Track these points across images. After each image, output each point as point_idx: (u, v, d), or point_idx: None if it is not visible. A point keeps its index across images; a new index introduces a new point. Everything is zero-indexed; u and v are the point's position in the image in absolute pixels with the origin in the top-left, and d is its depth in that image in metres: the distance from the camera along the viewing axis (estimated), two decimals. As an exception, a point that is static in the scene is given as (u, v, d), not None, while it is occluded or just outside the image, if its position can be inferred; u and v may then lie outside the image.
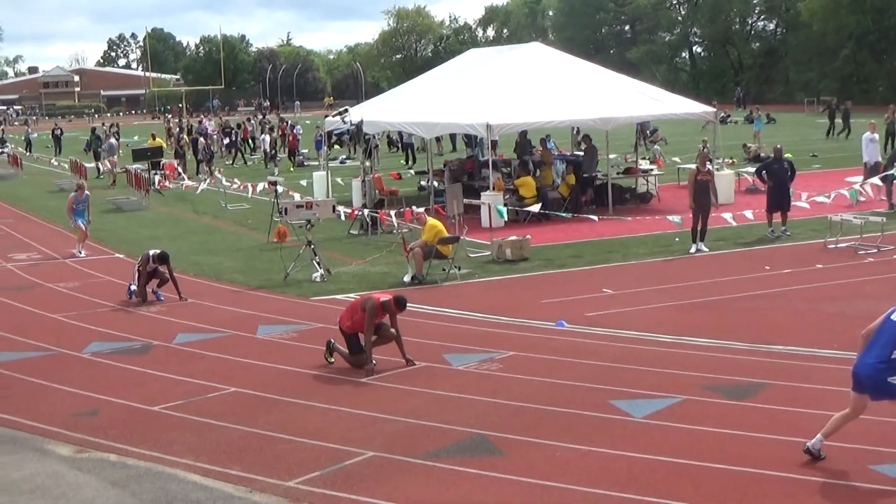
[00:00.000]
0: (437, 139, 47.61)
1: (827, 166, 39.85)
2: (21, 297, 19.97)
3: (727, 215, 23.13)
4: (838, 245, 22.15)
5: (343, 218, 25.72)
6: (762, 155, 38.19)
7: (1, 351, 15.63)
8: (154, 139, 49.89)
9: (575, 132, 34.99)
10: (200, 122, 66.95)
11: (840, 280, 18.98)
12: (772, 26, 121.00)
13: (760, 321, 16.07)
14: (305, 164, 49.20)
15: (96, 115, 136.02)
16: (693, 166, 24.93)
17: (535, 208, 24.69)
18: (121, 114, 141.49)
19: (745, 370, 13.18)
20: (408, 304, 14.31)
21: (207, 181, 37.77)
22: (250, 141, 58.46)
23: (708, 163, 23.60)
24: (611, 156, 31.82)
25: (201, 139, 50.73)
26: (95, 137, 53.14)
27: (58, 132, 65.76)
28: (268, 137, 51.62)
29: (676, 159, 38.23)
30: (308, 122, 73.98)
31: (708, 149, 33.63)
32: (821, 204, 25.06)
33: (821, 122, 62.10)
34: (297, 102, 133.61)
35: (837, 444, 10.01)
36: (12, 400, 13.15)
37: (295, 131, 53.24)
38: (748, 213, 23.61)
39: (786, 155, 25.61)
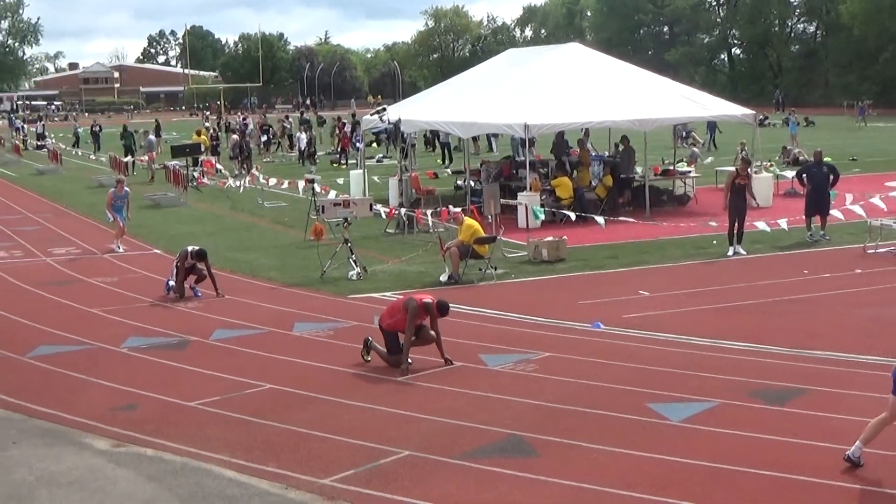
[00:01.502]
0: (475, 139, 47.58)
1: (866, 171, 39.55)
2: (60, 292, 20.13)
3: (760, 223, 22.92)
4: (878, 250, 21.96)
5: (384, 216, 25.76)
6: (801, 158, 37.94)
7: (40, 345, 15.75)
8: (199, 135, 50.08)
9: (584, 133, 34.68)
10: (245, 119, 66.89)
11: (879, 285, 18.80)
12: (812, 29, 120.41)
13: (799, 326, 15.96)
14: (342, 162, 49.35)
15: (135, 112, 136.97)
16: (732, 168, 24.76)
17: (573, 216, 24.58)
18: (160, 109, 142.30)
19: (783, 375, 13.09)
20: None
21: (247, 178, 37.89)
22: (286, 139, 58.56)
23: (748, 167, 23.48)
24: (638, 169, 31.59)
25: (233, 136, 50.96)
26: (129, 134, 53.13)
27: (96, 129, 65.86)
28: (304, 136, 51.67)
29: (709, 160, 37.86)
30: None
31: (746, 152, 33.47)
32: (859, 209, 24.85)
33: (861, 125, 61.64)
34: (353, 100, 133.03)
35: (877, 452, 9.92)
36: (51, 393, 13.26)
37: (346, 129, 53.22)
38: (783, 222, 23.34)
39: (826, 159, 25.41)
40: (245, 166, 44.28)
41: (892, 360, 12.51)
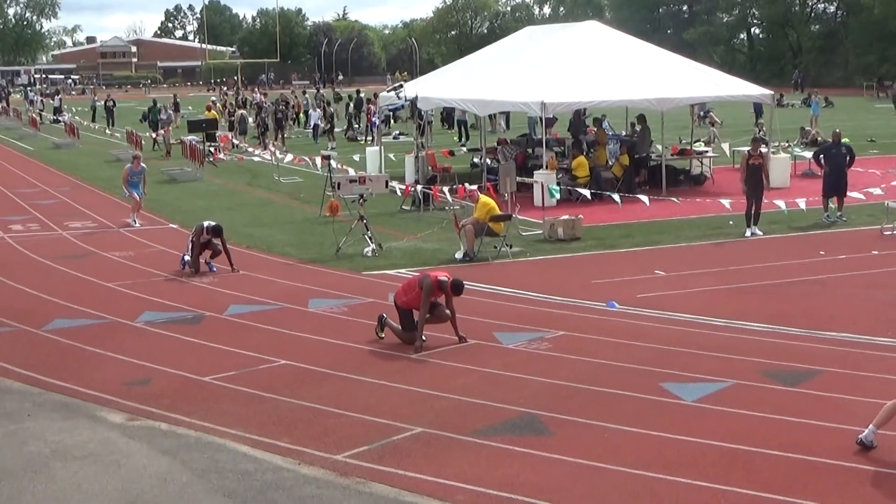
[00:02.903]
0: (491, 117, 47.45)
1: (884, 152, 39.35)
2: (76, 265, 20.19)
3: (780, 202, 22.82)
4: (895, 232, 21.86)
5: (399, 193, 25.73)
6: (819, 139, 37.72)
7: (56, 318, 15.80)
8: (209, 111, 50.06)
9: (581, 113, 34.30)
10: (265, 95, 66.70)
11: (896, 267, 18.76)
12: (832, 9, 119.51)
13: (814, 307, 15.92)
14: (358, 138, 49.34)
15: (153, 86, 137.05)
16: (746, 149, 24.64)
17: (588, 193, 24.51)
18: (177, 84, 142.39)
19: (798, 356, 13.05)
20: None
21: (268, 153, 37.90)
22: (302, 115, 58.43)
23: (763, 146, 23.38)
24: (659, 146, 31.45)
25: (240, 111, 50.99)
26: (156, 110, 53.01)
27: (110, 104, 64.08)
28: (316, 112, 51.55)
29: (724, 146, 37.49)
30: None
31: (764, 132, 33.32)
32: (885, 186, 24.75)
33: (879, 107, 61.28)
34: (388, 76, 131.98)
35: (891, 433, 9.88)
36: (66, 367, 13.31)
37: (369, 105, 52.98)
38: (801, 203, 23.22)
39: (843, 140, 25.27)
40: (263, 142, 44.36)
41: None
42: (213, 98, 64.10)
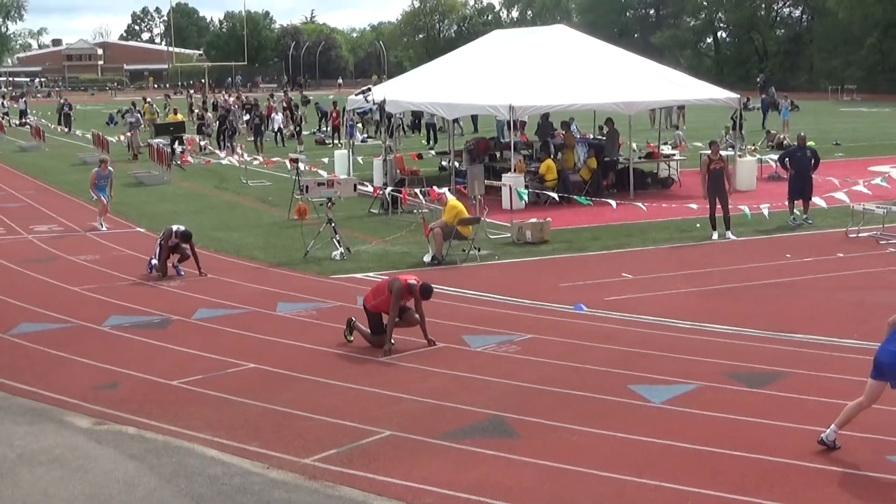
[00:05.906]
0: (455, 120, 47.42)
1: (850, 155, 39.66)
2: (42, 269, 20.06)
3: (744, 207, 22.93)
4: (860, 234, 22.05)
5: (373, 192, 25.68)
6: (786, 143, 37.98)
7: (21, 322, 15.70)
8: (175, 114, 49.84)
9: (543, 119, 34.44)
10: (238, 98, 66.41)
11: (861, 269, 18.90)
12: (797, 13, 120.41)
13: (780, 309, 16.02)
14: (326, 142, 49.27)
15: (119, 88, 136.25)
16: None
17: (556, 196, 24.60)
18: (144, 87, 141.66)
19: (764, 358, 13.14)
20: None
21: (235, 156, 37.80)
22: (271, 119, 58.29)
23: (728, 149, 23.52)
24: (635, 145, 31.59)
25: (205, 114, 50.84)
26: (126, 112, 52.62)
27: (66, 109, 61.53)
28: (279, 116, 51.40)
29: (698, 144, 37.70)
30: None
31: (730, 135, 33.50)
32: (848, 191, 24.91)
33: (844, 110, 61.60)
34: (375, 77, 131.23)
35: (855, 434, 9.99)
36: (32, 371, 13.22)
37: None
38: (764, 208, 23.30)
39: (809, 143, 25.45)
40: (231, 145, 44.22)
41: (872, 343, 12.57)
42: (149, 100, 63.20)
